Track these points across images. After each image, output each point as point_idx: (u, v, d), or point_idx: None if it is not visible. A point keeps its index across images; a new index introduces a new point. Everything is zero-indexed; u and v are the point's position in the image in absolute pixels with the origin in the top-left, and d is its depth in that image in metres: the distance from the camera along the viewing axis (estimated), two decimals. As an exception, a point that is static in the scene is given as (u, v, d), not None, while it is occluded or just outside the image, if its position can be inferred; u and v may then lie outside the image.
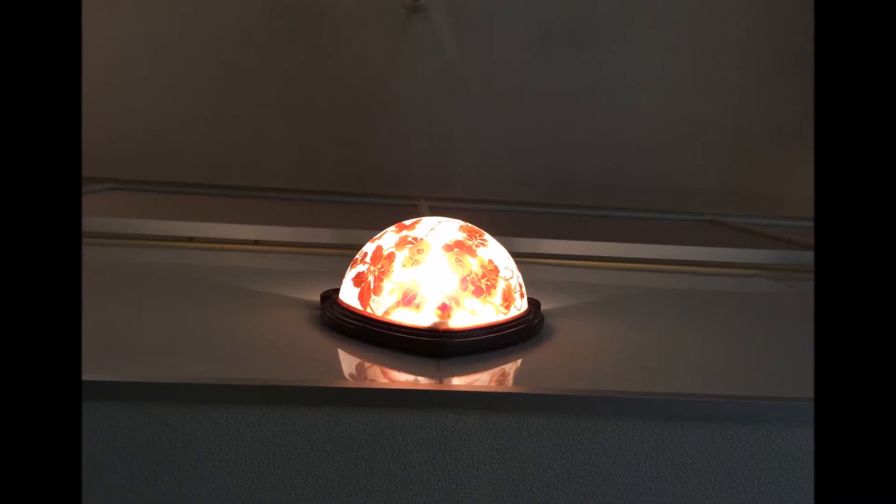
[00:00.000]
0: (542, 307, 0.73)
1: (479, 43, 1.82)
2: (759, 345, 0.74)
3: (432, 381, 0.55)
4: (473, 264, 0.63)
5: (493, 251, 0.66)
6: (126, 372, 0.53)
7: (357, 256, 0.68)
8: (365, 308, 0.63)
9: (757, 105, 1.89)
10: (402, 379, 0.55)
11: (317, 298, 0.72)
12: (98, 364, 0.53)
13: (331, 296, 0.70)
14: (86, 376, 0.48)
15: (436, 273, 0.61)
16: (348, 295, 0.66)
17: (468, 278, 0.62)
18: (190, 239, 1.09)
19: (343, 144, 1.85)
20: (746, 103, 1.90)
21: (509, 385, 0.58)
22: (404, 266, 0.62)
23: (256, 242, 1.10)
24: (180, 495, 0.52)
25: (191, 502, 0.52)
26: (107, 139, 1.70)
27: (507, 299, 0.64)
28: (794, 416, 0.54)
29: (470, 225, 0.69)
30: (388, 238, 0.66)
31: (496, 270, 0.64)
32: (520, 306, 0.66)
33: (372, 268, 0.64)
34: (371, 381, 0.56)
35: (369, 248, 0.67)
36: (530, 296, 0.71)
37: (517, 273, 0.67)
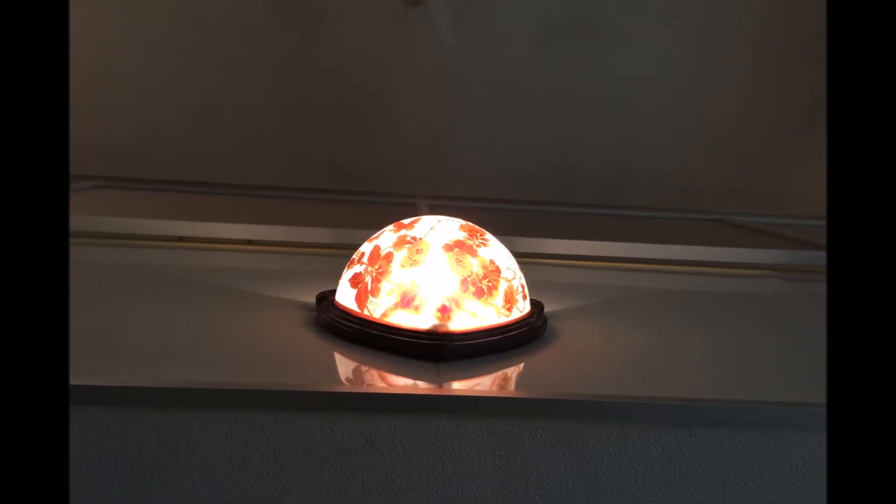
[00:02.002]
0: (546, 309, 0.73)
1: (480, 37, 1.82)
2: (770, 348, 0.74)
3: (432, 386, 0.55)
4: (474, 265, 0.63)
5: (495, 251, 0.66)
6: (115, 376, 0.53)
7: (354, 256, 0.68)
8: (362, 310, 0.63)
9: (767, 100, 1.90)
10: (401, 383, 0.55)
11: (312, 300, 0.72)
12: (86, 368, 0.53)
13: (327, 297, 0.70)
14: (73, 380, 0.48)
15: (435, 274, 0.61)
16: (345, 296, 0.65)
17: (469, 279, 0.62)
18: (181, 238, 1.09)
19: (339, 141, 1.85)
20: (756, 98, 1.90)
21: (511, 390, 0.57)
22: (403, 266, 0.62)
23: (250, 242, 1.10)
24: (171, 503, 0.52)
25: (182, 511, 0.52)
26: (95, 135, 1.70)
27: (509, 301, 0.64)
28: (806, 421, 0.54)
29: (470, 224, 0.69)
30: (386, 237, 0.66)
31: (498, 271, 0.64)
32: (522, 308, 0.66)
33: (369, 268, 0.64)
34: (368, 385, 0.56)
35: (366, 247, 0.67)
36: (533, 297, 0.71)
37: (519, 274, 0.67)
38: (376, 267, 0.63)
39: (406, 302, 0.61)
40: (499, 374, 0.59)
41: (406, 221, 0.68)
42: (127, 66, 1.76)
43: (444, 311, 0.60)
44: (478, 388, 0.56)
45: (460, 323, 0.60)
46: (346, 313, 0.64)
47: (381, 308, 0.61)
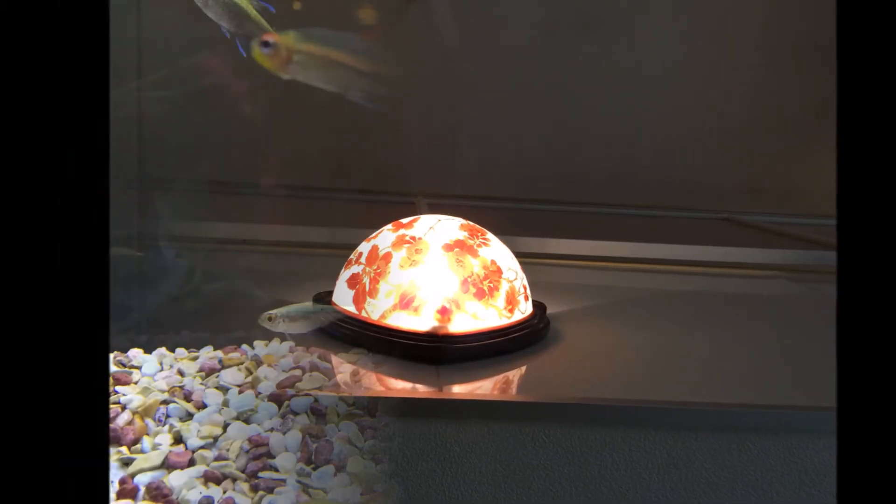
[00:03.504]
0: (548, 310, 0.73)
1: (482, 29, 1.82)
2: (778, 350, 0.74)
3: (431, 389, 0.54)
4: (475, 265, 0.63)
5: (496, 251, 0.66)
6: (107, 379, 0.53)
7: (351, 257, 0.68)
8: (360, 311, 0.63)
9: (775, 96, 1.89)
10: (400, 386, 0.55)
11: (309, 301, 0.72)
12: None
13: (324, 298, 0.70)
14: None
15: (435, 274, 0.61)
16: (342, 298, 0.65)
17: (469, 280, 0.62)
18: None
19: (336, 137, 1.85)
20: (763, 95, 1.90)
21: (513, 393, 0.57)
22: (402, 267, 0.62)
23: (245, 242, 1.10)
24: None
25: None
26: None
27: (511, 302, 0.64)
28: (815, 426, 0.54)
29: (471, 223, 0.69)
30: (384, 237, 0.66)
31: (499, 271, 0.64)
32: (524, 309, 0.66)
33: (367, 269, 0.64)
34: (367, 388, 0.56)
35: (364, 247, 0.67)
36: (535, 298, 0.71)
37: (521, 274, 0.67)
38: (374, 267, 0.63)
39: (405, 303, 0.60)
40: (500, 377, 0.59)
41: (405, 221, 0.68)
42: (122, 62, 1.75)
43: (444, 312, 0.60)
44: (478, 391, 0.56)
45: (461, 325, 0.60)
46: (343, 315, 0.64)
47: (379, 309, 0.61)
